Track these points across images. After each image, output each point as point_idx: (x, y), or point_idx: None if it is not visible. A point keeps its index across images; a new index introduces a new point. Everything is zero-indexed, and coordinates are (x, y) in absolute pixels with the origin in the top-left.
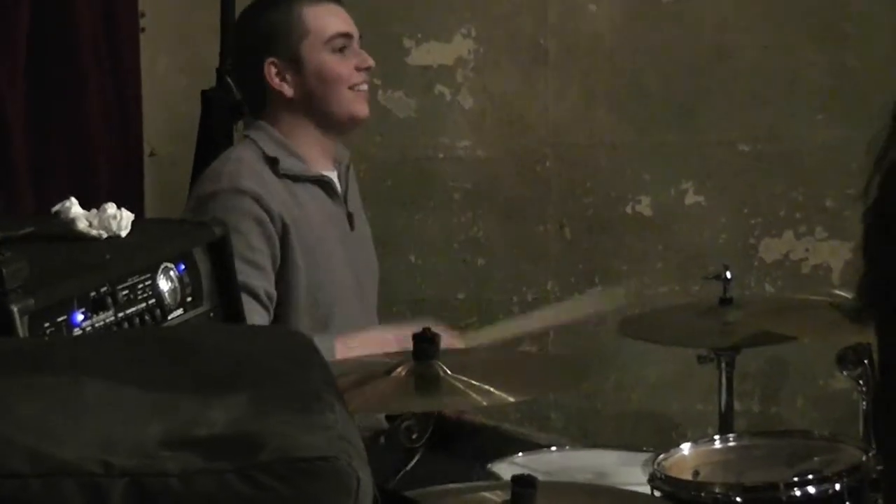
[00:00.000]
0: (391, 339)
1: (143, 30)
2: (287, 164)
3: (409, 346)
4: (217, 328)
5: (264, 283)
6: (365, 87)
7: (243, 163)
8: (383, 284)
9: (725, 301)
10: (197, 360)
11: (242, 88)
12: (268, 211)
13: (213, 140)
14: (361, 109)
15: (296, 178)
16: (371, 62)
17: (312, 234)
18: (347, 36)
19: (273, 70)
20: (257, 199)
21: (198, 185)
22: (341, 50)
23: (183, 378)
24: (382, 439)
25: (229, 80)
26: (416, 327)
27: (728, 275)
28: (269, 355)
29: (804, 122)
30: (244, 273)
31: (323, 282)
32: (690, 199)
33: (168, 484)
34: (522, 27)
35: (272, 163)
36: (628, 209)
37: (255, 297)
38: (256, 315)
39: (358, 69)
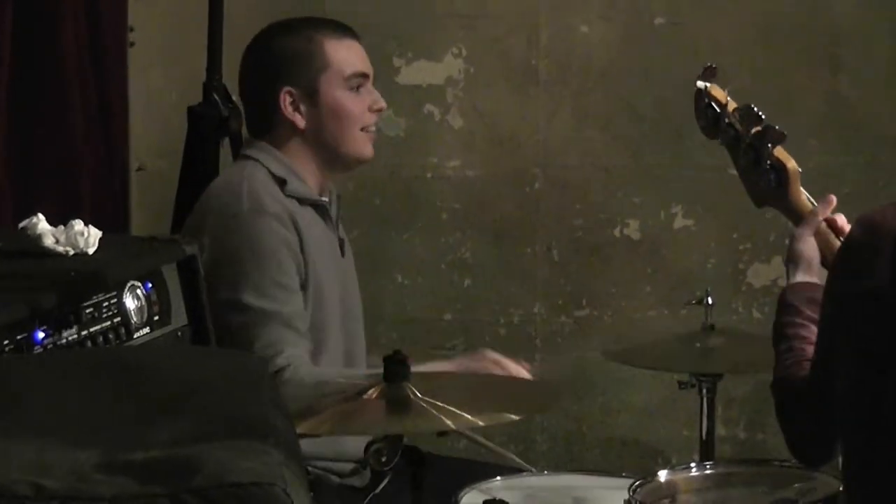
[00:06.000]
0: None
1: (132, 44)
2: (294, 185)
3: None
4: (170, 350)
5: (296, 306)
6: (374, 128)
7: (256, 182)
8: (370, 304)
9: (708, 327)
10: (143, 384)
11: (250, 110)
12: (291, 231)
13: (199, 156)
14: (368, 151)
15: (300, 201)
16: (384, 104)
17: (313, 256)
18: (365, 76)
19: (288, 99)
20: (282, 220)
21: (213, 204)
22: (357, 88)
23: (127, 401)
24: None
25: (216, 96)
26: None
27: (710, 300)
28: (217, 379)
29: (796, 147)
30: (278, 300)
31: (319, 305)
32: (679, 222)
33: None
34: (514, 48)
35: (280, 183)
36: (617, 232)
37: (286, 325)
38: (289, 345)
39: (371, 110)
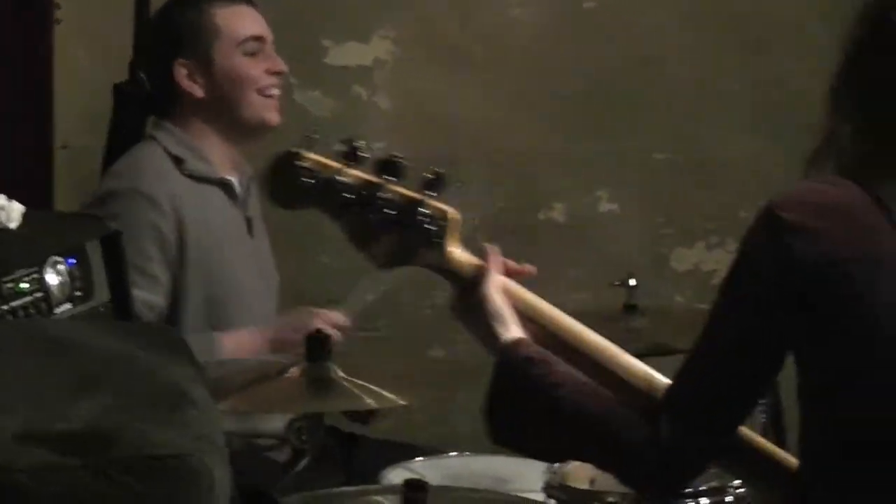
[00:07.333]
0: (259, 340)
1: (58, 21)
2: (191, 164)
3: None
4: (93, 324)
5: (150, 294)
6: (275, 91)
7: (145, 161)
8: (291, 284)
9: (630, 308)
10: (66, 357)
11: (153, 89)
12: (164, 214)
13: (124, 134)
14: (271, 116)
15: (198, 179)
16: (283, 67)
17: (211, 233)
18: (260, 39)
19: (183, 71)
20: (154, 202)
21: (101, 181)
22: (253, 53)
23: (49, 374)
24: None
25: (141, 74)
26: (290, 327)
27: (633, 282)
28: (138, 352)
29: (723, 133)
30: (133, 283)
31: (220, 280)
32: (604, 206)
33: (17, 479)
34: (444, 30)
35: (177, 161)
36: (542, 215)
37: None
38: None
39: (269, 73)
